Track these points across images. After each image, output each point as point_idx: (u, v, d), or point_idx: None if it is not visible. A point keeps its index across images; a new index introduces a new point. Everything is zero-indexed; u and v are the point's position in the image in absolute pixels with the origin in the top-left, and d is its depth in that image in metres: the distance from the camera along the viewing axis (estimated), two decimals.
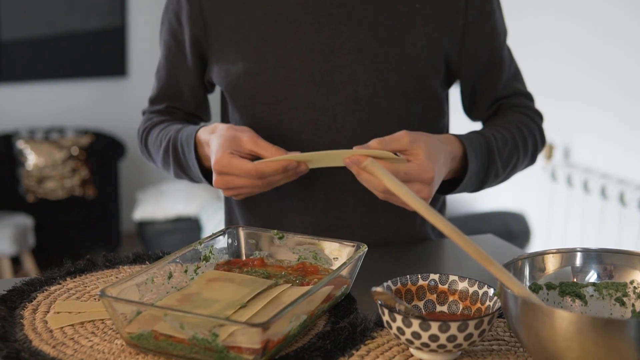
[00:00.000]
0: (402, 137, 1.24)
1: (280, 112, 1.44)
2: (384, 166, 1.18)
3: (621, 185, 3.31)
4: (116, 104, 5.96)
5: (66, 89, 5.80)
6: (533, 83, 3.78)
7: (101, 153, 5.48)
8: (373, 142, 1.23)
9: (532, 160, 1.56)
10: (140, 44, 5.93)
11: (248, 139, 1.29)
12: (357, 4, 1.42)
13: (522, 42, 3.94)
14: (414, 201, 1.04)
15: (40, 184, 5.27)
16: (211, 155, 1.32)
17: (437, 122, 1.53)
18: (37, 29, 5.59)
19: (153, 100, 1.62)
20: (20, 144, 5.28)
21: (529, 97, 1.60)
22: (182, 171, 1.48)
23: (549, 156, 3.71)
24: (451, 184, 1.42)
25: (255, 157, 1.31)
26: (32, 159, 5.26)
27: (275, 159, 1.26)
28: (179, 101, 1.58)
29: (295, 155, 1.27)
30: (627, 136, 3.37)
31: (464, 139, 1.37)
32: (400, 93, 1.44)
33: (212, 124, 1.42)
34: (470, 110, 1.60)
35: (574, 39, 3.63)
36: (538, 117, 1.57)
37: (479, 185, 1.44)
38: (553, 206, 3.74)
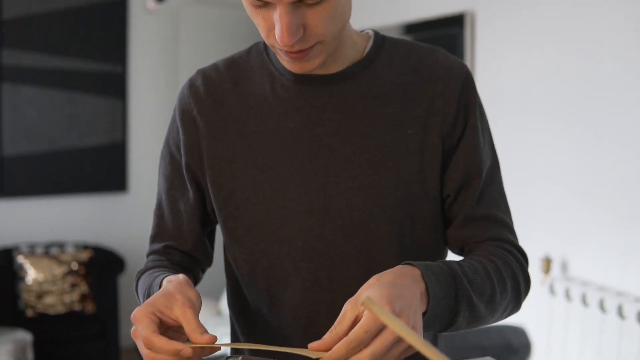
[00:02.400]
0: (344, 311, 1.16)
1: (279, 240, 1.45)
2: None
3: (619, 298, 3.31)
4: (116, 219, 6.00)
5: (66, 204, 5.85)
6: (528, 197, 3.84)
7: (101, 268, 5.48)
8: (326, 337, 1.14)
9: (514, 299, 1.44)
10: (141, 159, 6.01)
11: (181, 304, 1.22)
12: (351, 132, 1.44)
13: (517, 157, 3.99)
14: (409, 335, 1.03)
15: (39, 298, 5.26)
16: None
17: (435, 247, 1.51)
18: (39, 145, 5.68)
19: (153, 239, 1.60)
20: (21, 259, 5.29)
21: (510, 231, 1.51)
22: None
23: (547, 270, 3.73)
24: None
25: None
26: (31, 273, 5.27)
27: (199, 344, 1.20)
28: (177, 239, 1.56)
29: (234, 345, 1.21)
30: (623, 249, 3.39)
31: (416, 264, 1.27)
32: (397, 217, 1.44)
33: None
34: (447, 235, 1.52)
35: (569, 154, 3.68)
36: (517, 251, 1.49)
37: (453, 316, 1.31)
38: (552, 319, 3.73)
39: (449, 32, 4.50)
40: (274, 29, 1.29)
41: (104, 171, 5.93)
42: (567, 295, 3.61)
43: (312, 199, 1.44)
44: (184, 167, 1.52)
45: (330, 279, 1.44)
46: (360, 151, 1.44)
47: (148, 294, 1.41)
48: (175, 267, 1.52)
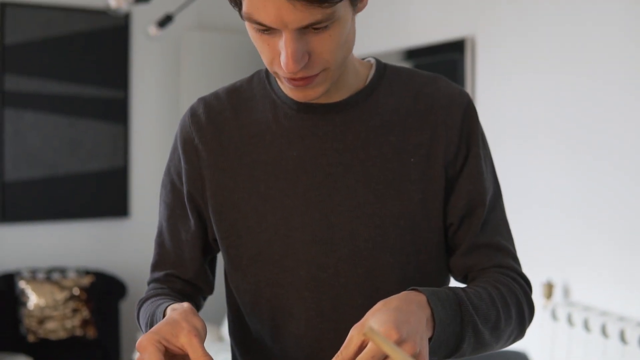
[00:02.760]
0: (351, 336, 1.18)
1: (283, 269, 1.44)
2: None
3: (621, 323, 3.30)
4: (118, 245, 6.00)
5: (68, 229, 5.85)
6: (530, 222, 3.84)
7: (102, 294, 5.47)
8: None
9: (519, 325, 1.44)
10: (143, 185, 6.01)
11: (187, 332, 1.24)
12: (354, 161, 1.43)
13: (518, 182, 4.00)
14: None
15: (41, 324, 5.25)
16: None
17: (438, 275, 1.50)
18: (40, 170, 5.69)
19: (154, 268, 1.59)
20: (22, 284, 5.28)
21: (513, 258, 1.51)
22: None
23: (549, 295, 3.72)
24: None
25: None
26: (33, 299, 5.26)
27: None
28: (179, 267, 1.56)
29: None
30: (626, 274, 3.38)
31: (422, 289, 1.28)
32: (400, 247, 1.43)
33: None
34: (450, 263, 1.52)
35: (571, 179, 3.68)
36: (521, 278, 1.49)
37: (458, 342, 1.31)
38: (554, 345, 3.72)
39: (449, 57, 4.51)
40: (279, 55, 1.28)
41: (106, 196, 5.94)
42: (569, 321, 3.60)
43: (315, 228, 1.43)
44: (186, 196, 1.52)
45: (334, 308, 1.44)
46: (363, 180, 1.43)
47: (151, 323, 1.41)
48: (176, 295, 1.52)
